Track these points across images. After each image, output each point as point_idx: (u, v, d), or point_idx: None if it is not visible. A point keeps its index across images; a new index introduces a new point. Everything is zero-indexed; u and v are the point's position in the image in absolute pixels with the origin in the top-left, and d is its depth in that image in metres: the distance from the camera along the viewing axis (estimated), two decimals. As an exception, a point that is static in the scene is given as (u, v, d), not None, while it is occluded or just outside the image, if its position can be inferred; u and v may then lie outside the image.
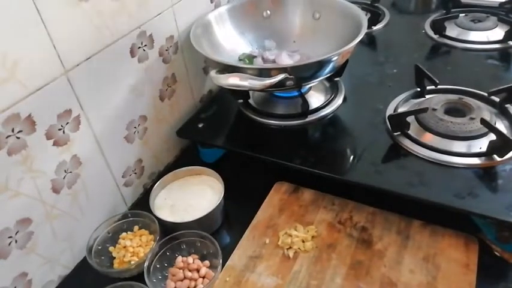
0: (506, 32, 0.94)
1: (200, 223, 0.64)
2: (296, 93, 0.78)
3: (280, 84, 0.66)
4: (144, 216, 0.67)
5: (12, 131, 0.51)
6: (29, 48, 0.51)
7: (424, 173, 0.63)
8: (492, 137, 0.64)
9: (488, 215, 0.57)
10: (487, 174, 0.62)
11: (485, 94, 0.75)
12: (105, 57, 0.62)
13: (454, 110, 0.71)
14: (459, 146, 0.66)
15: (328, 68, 0.71)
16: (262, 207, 0.69)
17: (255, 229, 0.66)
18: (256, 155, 0.71)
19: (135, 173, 0.74)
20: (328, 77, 0.75)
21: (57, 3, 0.53)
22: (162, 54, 0.74)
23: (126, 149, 0.71)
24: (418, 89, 0.79)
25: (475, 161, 0.64)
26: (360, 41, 0.70)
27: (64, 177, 0.60)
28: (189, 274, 0.59)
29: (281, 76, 0.65)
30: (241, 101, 0.82)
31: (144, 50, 0.70)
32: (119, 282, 0.59)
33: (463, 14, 1.06)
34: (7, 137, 0.50)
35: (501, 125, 0.69)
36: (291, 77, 0.66)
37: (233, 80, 0.66)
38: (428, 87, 0.79)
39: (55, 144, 0.57)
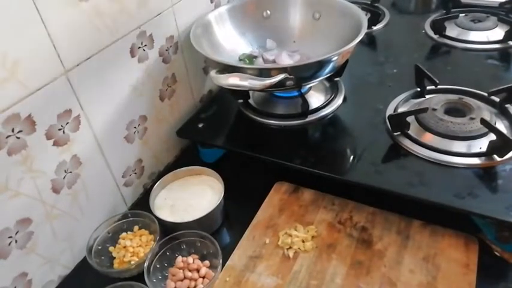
0: (506, 32, 0.94)
1: (200, 223, 0.64)
2: (296, 93, 0.78)
3: (280, 84, 0.66)
4: (144, 216, 0.67)
5: (12, 131, 0.51)
6: (29, 48, 0.51)
7: (424, 173, 0.63)
8: (492, 137, 0.64)
9: (488, 215, 0.57)
10: (487, 174, 0.62)
11: (485, 94, 0.75)
12: (105, 57, 0.62)
13: (454, 110, 0.71)
14: (459, 146, 0.66)
15: (328, 68, 0.71)
16: (262, 207, 0.69)
17: (255, 229, 0.66)
18: (256, 155, 0.71)
19: (135, 173, 0.74)
20: (328, 77, 0.75)
21: (57, 3, 0.53)
22: (162, 54, 0.74)
23: (126, 149, 0.71)
24: (418, 89, 0.79)
25: (475, 161, 0.64)
26: (360, 41, 0.70)
27: (64, 177, 0.60)
28: (189, 274, 0.59)
29: (281, 76, 0.65)
30: (241, 101, 0.82)
31: (144, 50, 0.70)
32: (118, 282, 0.59)
33: (463, 14, 1.06)
34: (7, 137, 0.50)
35: (501, 125, 0.69)
36: (291, 77, 0.66)
37: (233, 80, 0.66)
38: (428, 87, 0.79)
39: (55, 144, 0.57)
